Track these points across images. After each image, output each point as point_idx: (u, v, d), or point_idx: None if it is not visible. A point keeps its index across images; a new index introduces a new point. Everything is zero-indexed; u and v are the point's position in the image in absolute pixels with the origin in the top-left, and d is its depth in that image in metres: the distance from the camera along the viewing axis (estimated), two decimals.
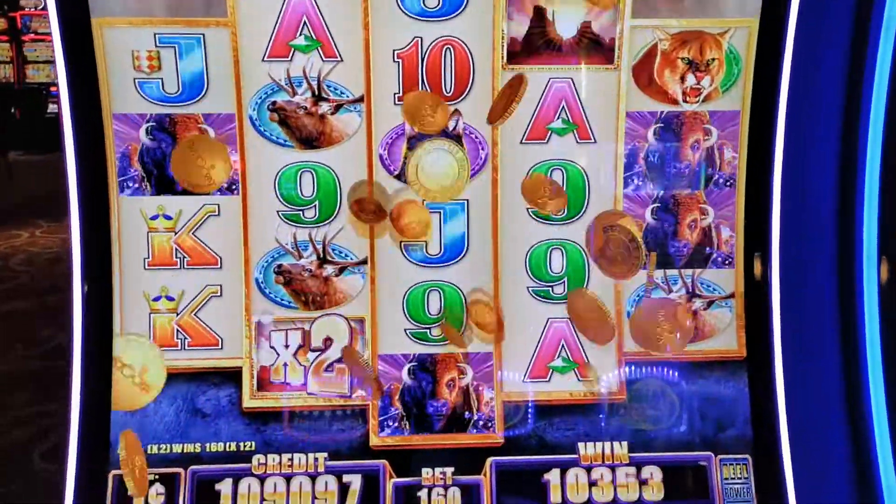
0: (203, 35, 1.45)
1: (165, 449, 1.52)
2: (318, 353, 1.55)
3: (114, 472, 1.50)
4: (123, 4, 1.43)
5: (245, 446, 1.53)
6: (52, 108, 10.00)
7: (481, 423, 1.56)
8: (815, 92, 1.56)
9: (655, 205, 1.55)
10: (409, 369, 1.55)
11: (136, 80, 1.46)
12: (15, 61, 9.99)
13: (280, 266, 1.53)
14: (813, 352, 1.65)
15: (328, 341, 1.54)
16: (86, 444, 1.49)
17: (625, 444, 1.56)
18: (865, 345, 1.59)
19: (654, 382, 1.58)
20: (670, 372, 1.58)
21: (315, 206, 1.52)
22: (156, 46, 1.44)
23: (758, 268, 1.56)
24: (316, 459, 1.53)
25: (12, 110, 9.86)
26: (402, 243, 1.53)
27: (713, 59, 1.49)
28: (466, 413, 1.56)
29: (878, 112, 1.52)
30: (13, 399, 3.71)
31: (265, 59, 1.46)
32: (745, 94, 1.52)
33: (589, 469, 1.54)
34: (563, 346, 1.58)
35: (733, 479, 1.55)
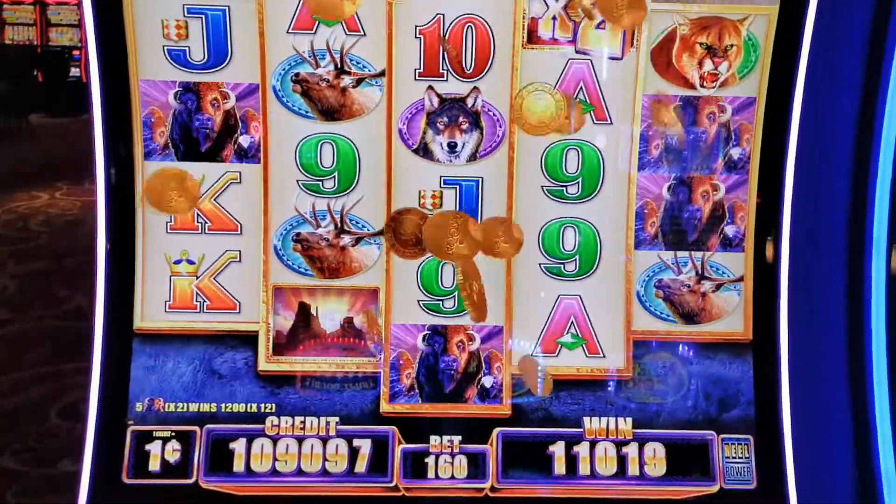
0: (229, 6, 1.47)
1: (182, 408, 1.57)
2: (336, 320, 1.59)
3: (132, 428, 1.55)
4: None
5: (260, 408, 1.57)
6: (73, 71, 10.06)
7: (489, 392, 1.60)
8: (832, 81, 1.57)
9: (671, 182, 1.57)
10: (423, 336, 1.59)
11: (164, 48, 1.49)
12: (39, 24, 10.03)
13: (298, 234, 1.57)
14: (818, 337, 1.67)
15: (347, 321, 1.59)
16: (106, 401, 1.54)
17: (629, 420, 1.59)
18: (871, 332, 1.62)
19: (661, 361, 1.61)
20: (677, 351, 1.61)
21: (334, 176, 1.55)
22: (184, 16, 1.47)
23: (769, 252, 1.58)
24: (328, 423, 1.57)
25: (34, 72, 9.91)
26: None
27: (731, 46, 1.51)
28: (476, 374, 1.59)
29: (893, 102, 1.53)
30: (31, 358, 3.79)
31: (290, 31, 1.49)
32: (762, 81, 1.53)
33: (593, 443, 1.58)
34: (572, 322, 1.61)
35: (735, 458, 1.58)
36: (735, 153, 1.57)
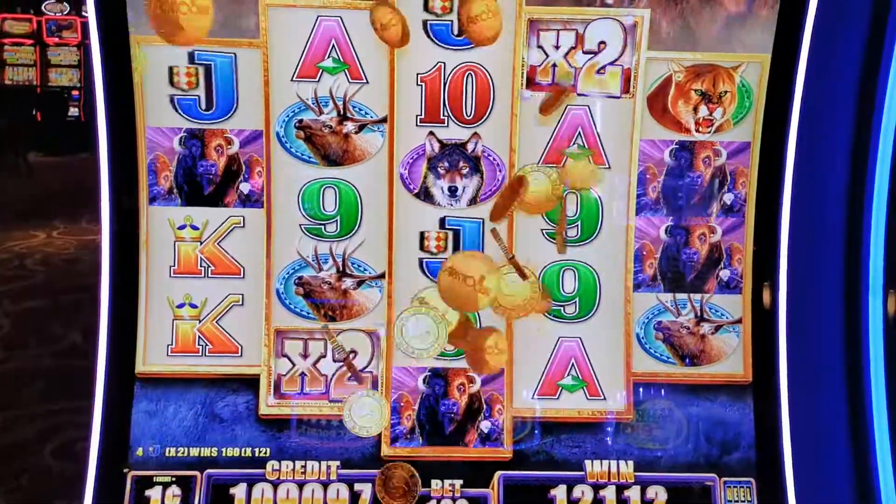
0: (235, 54, 1.51)
1: (183, 452, 1.57)
2: (340, 364, 1.60)
3: (133, 473, 1.54)
4: None
5: (260, 452, 1.57)
6: (72, 111, 10.13)
7: (490, 435, 1.60)
8: (825, 125, 1.60)
9: (669, 225, 1.59)
10: (423, 378, 1.60)
11: (172, 96, 1.51)
12: (38, 64, 10.13)
13: (301, 278, 1.58)
14: (818, 379, 1.68)
15: (353, 353, 1.59)
16: (106, 445, 1.54)
17: (631, 463, 1.59)
18: (870, 374, 1.62)
19: (661, 403, 1.61)
20: (677, 393, 1.61)
21: (336, 220, 1.57)
22: (192, 64, 1.50)
23: (766, 296, 1.59)
24: (329, 467, 1.57)
25: (33, 112, 9.98)
26: (421, 258, 1.58)
27: (725, 92, 1.54)
28: (476, 418, 1.60)
29: (886, 148, 1.56)
30: (25, 396, 3.76)
31: (294, 79, 1.52)
32: (756, 126, 1.56)
33: (595, 486, 1.58)
34: (572, 364, 1.62)
35: (737, 501, 1.58)
36: (731, 197, 1.59)
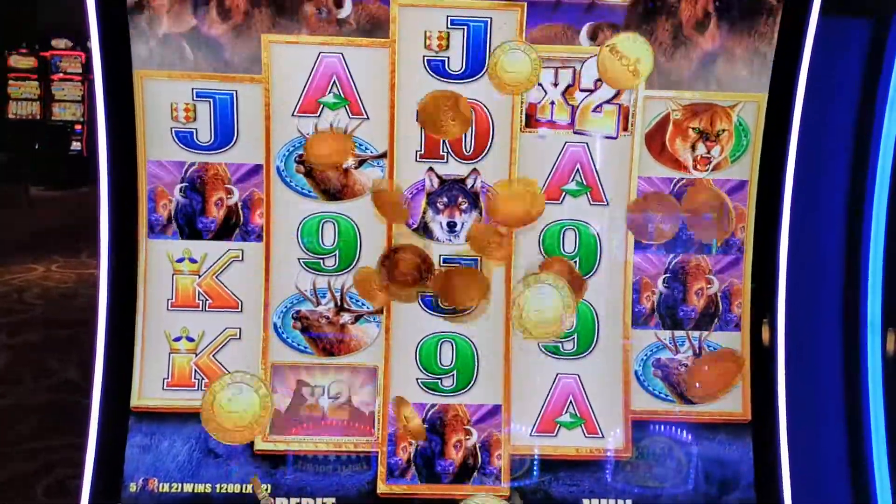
0: (236, 91, 1.52)
1: (177, 488, 1.55)
2: (335, 399, 1.58)
3: None
4: (163, 58, 1.50)
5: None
6: (74, 145, 10.20)
7: (488, 473, 1.58)
8: (822, 164, 1.62)
9: (666, 275, 1.60)
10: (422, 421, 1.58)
11: (172, 129, 1.53)
12: (42, 99, 10.23)
13: (298, 312, 1.58)
14: (817, 417, 1.67)
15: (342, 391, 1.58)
16: (99, 480, 1.52)
17: (629, 502, 1.57)
18: (869, 412, 1.62)
19: (660, 441, 1.60)
20: (676, 432, 1.60)
21: (335, 255, 1.57)
22: (192, 100, 1.51)
23: (765, 335, 1.59)
24: None
25: (36, 146, 10.06)
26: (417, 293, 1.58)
27: (723, 130, 1.56)
28: (474, 466, 1.58)
29: (882, 185, 1.57)
30: (20, 432, 3.73)
31: (295, 114, 1.53)
32: (753, 164, 1.57)
33: None
34: (570, 401, 1.61)
35: None
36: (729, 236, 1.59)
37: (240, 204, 1.55)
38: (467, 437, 1.59)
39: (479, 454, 1.59)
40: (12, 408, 4.03)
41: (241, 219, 1.56)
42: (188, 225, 1.56)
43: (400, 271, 1.43)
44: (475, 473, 1.58)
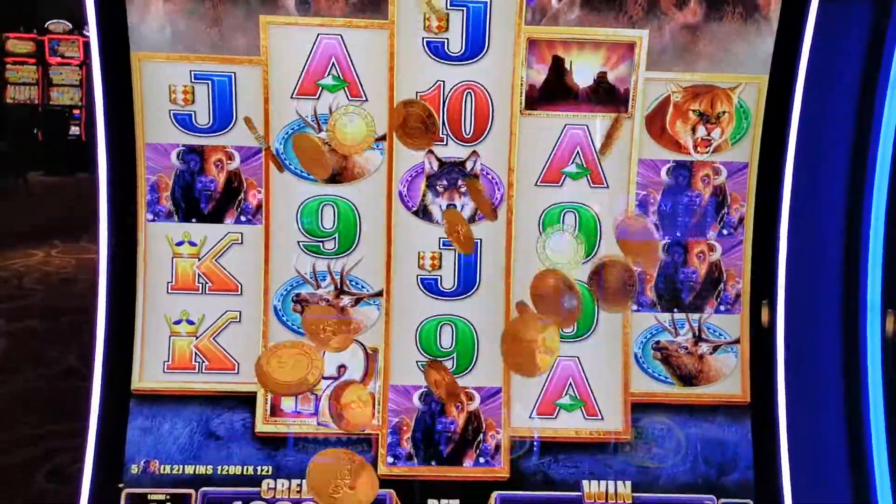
0: (235, 73, 1.51)
1: (178, 470, 1.55)
2: (332, 380, 1.59)
3: (127, 490, 1.53)
4: (161, 40, 1.49)
5: (256, 470, 1.56)
6: (73, 130, 10.17)
7: (488, 454, 1.59)
8: (823, 146, 1.61)
9: (666, 241, 1.59)
10: (420, 395, 1.59)
11: (171, 112, 1.52)
12: (40, 83, 10.18)
13: (298, 295, 1.58)
14: (816, 399, 1.67)
15: (342, 369, 1.58)
16: (101, 463, 1.53)
17: (628, 483, 1.58)
18: (868, 394, 1.62)
19: (659, 423, 1.60)
20: (675, 414, 1.61)
21: (335, 238, 1.57)
22: (191, 82, 1.51)
23: (764, 316, 1.59)
24: None
25: (35, 131, 10.02)
26: (419, 275, 1.58)
27: (723, 112, 1.55)
28: (475, 436, 1.59)
29: (883, 167, 1.56)
30: (20, 418, 3.74)
31: (293, 96, 1.53)
32: (753, 146, 1.57)
33: None
34: (570, 384, 1.61)
35: None
36: (728, 217, 1.59)
37: (242, 175, 1.54)
38: (469, 400, 1.59)
39: (480, 419, 1.59)
40: (13, 393, 4.04)
41: (244, 185, 1.55)
42: (186, 199, 1.55)
43: (409, 126, 1.39)
44: (479, 438, 1.58)
